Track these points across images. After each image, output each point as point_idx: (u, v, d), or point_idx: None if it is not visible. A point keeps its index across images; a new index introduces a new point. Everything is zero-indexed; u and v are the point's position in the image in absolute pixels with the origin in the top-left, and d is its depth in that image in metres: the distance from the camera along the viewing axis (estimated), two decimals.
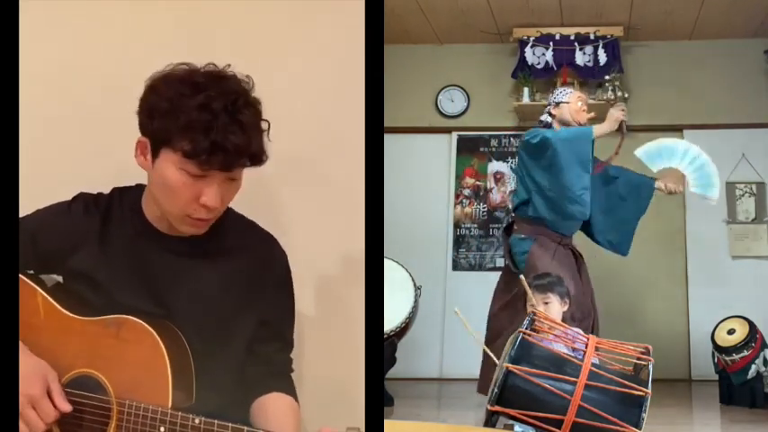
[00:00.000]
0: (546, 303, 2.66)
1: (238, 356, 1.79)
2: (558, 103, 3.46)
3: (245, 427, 1.52)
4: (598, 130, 3.26)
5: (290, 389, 1.85)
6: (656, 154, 3.35)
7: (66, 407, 1.62)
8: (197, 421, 1.54)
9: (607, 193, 3.55)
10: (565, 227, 3.41)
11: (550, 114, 3.48)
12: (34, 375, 1.61)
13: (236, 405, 1.78)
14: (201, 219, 1.65)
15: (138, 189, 1.77)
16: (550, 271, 3.06)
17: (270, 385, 1.82)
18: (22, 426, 1.59)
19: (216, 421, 1.53)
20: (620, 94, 3.68)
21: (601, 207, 3.51)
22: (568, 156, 3.19)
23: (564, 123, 3.43)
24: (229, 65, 1.65)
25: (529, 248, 3.31)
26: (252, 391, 1.81)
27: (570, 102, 3.43)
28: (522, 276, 2.49)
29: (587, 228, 3.57)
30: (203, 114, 1.53)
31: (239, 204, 1.87)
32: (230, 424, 1.53)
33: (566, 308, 2.72)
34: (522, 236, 3.36)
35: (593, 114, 3.44)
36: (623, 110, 3.31)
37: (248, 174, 2.10)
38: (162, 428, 1.56)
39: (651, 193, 3.53)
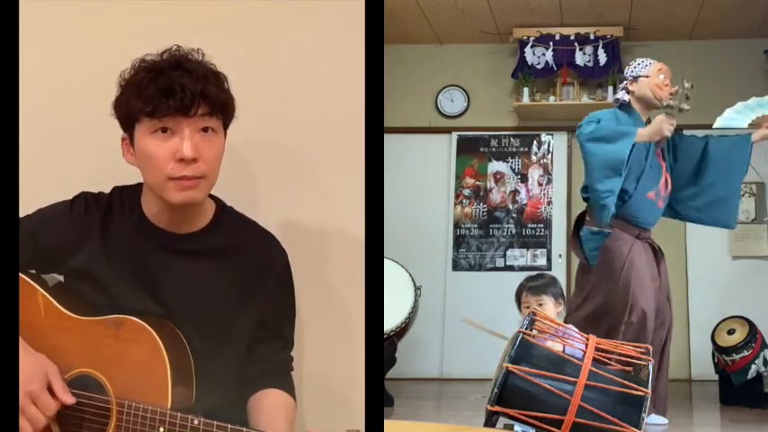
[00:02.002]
0: (540, 305, 2.63)
1: (238, 356, 1.79)
2: (636, 78, 3.05)
3: (244, 428, 1.52)
4: (640, 136, 2.90)
5: (287, 386, 1.86)
6: (737, 113, 3.01)
7: (70, 399, 1.63)
8: (196, 422, 1.54)
9: (693, 164, 3.17)
10: (642, 218, 3.05)
11: (627, 91, 3.05)
12: (33, 372, 1.61)
13: (235, 405, 1.78)
14: (185, 177, 1.61)
15: (139, 188, 1.77)
16: (628, 273, 2.92)
17: (268, 383, 1.82)
18: (24, 422, 1.59)
19: (215, 422, 1.53)
20: (684, 106, 2.96)
21: (687, 180, 3.18)
22: (598, 158, 2.88)
23: (643, 101, 3.03)
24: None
25: (601, 244, 2.97)
26: (251, 390, 1.81)
27: (651, 75, 3.01)
28: (467, 319, 2.34)
29: (675, 209, 3.22)
30: (150, 74, 1.61)
31: (237, 202, 1.87)
32: (229, 425, 1.53)
33: (560, 308, 2.69)
34: (595, 229, 3.00)
35: (675, 89, 3.00)
36: (672, 124, 2.90)
37: (247, 173, 2.12)
38: (161, 429, 1.56)
39: (749, 147, 3.12)
